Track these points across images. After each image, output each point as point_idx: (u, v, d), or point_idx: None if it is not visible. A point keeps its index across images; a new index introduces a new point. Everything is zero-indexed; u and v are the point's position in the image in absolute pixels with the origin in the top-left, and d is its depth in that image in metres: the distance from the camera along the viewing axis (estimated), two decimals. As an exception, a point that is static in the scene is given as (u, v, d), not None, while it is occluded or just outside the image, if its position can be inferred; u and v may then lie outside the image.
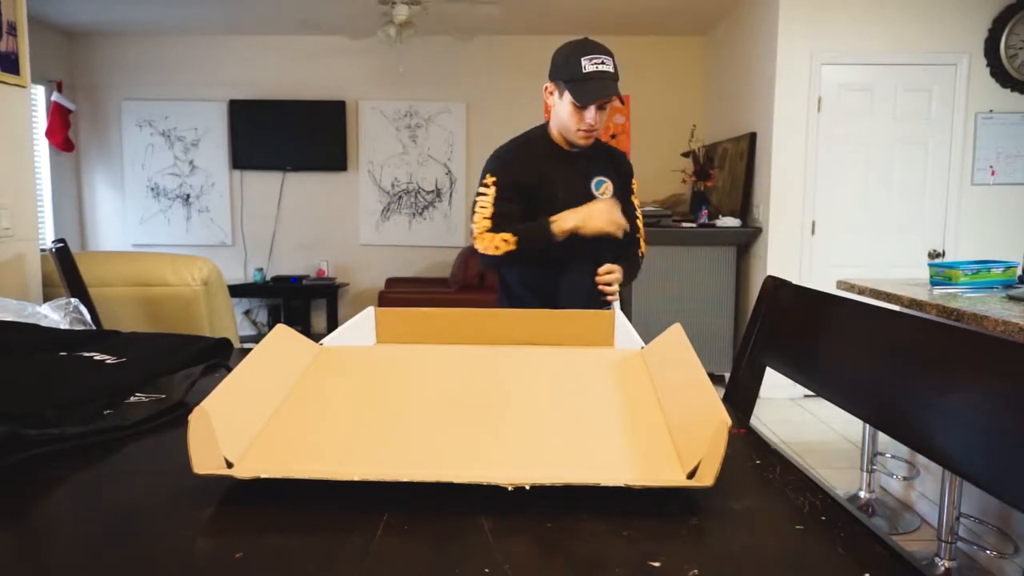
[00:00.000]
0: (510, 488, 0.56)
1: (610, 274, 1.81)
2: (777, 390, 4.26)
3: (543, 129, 1.91)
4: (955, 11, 4.15)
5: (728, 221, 4.47)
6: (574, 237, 1.78)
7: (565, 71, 1.75)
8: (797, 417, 3.99)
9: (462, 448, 0.68)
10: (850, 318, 0.86)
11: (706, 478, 0.57)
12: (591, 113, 1.75)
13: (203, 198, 5.83)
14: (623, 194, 1.95)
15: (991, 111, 4.20)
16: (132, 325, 2.51)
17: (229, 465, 0.63)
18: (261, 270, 5.71)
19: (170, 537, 0.54)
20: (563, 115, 1.79)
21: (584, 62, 1.72)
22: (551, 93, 1.81)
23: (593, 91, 1.72)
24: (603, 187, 1.90)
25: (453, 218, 5.83)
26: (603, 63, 1.73)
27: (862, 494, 2.83)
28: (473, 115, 5.69)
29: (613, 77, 1.73)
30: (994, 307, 2.06)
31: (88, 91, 5.77)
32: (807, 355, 0.93)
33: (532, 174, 1.85)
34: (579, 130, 1.78)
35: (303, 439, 0.70)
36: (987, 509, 2.23)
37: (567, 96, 1.75)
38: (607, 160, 1.95)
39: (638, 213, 2.02)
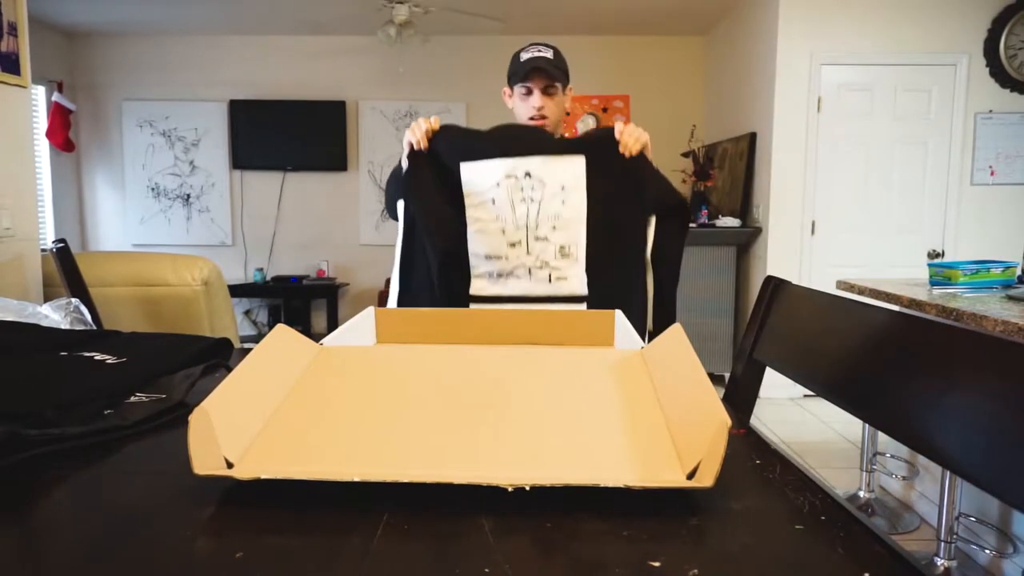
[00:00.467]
0: (510, 488, 0.56)
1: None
2: (777, 390, 4.26)
3: None
4: (955, 11, 4.15)
5: (728, 221, 4.47)
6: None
7: (510, 69, 1.77)
8: (797, 417, 3.99)
9: (462, 448, 0.68)
10: (850, 318, 0.86)
11: (706, 479, 0.57)
12: (535, 98, 1.74)
13: (203, 198, 5.84)
14: None
15: (991, 111, 4.20)
16: (132, 325, 2.51)
17: (229, 465, 0.63)
18: (261, 270, 5.71)
19: (170, 537, 0.54)
20: (516, 111, 1.80)
21: (522, 54, 1.75)
22: (509, 97, 1.82)
23: (526, 67, 1.72)
24: None
25: (453, 218, 5.83)
26: (539, 51, 1.74)
27: (862, 494, 2.83)
28: (473, 115, 5.69)
29: (551, 62, 1.73)
30: (993, 307, 2.06)
31: (88, 91, 5.77)
32: (807, 355, 0.93)
33: None
34: (529, 117, 1.77)
35: (303, 439, 0.70)
36: (986, 509, 2.23)
37: (515, 89, 1.76)
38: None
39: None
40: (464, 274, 1.60)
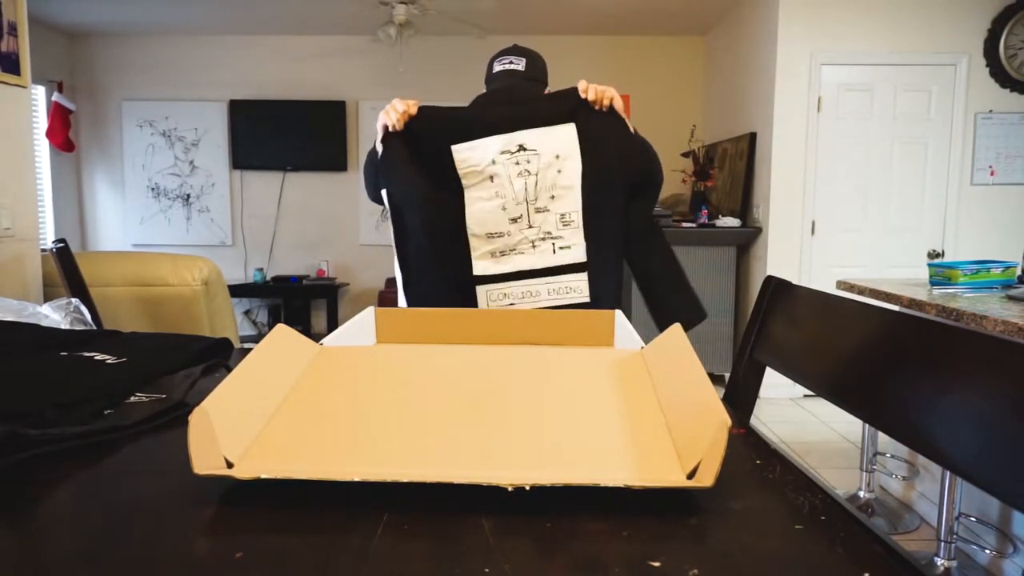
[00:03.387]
0: (510, 488, 0.56)
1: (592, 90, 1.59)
2: (777, 390, 4.26)
3: None
4: (955, 11, 4.15)
5: (728, 221, 4.47)
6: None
7: (486, 77, 1.76)
8: (797, 417, 3.99)
9: (462, 448, 0.68)
10: (850, 318, 0.86)
11: (706, 478, 0.57)
12: None
13: (203, 198, 5.83)
14: None
15: (990, 111, 4.20)
16: (132, 325, 2.51)
17: (229, 465, 0.63)
18: (261, 270, 5.71)
19: (170, 537, 0.54)
20: None
21: (495, 64, 1.72)
22: None
23: (496, 84, 1.70)
24: None
25: (453, 218, 5.83)
26: (511, 63, 1.70)
27: (862, 494, 2.83)
28: (473, 115, 5.69)
29: (522, 75, 1.69)
30: (993, 307, 2.06)
31: (88, 91, 5.77)
32: (807, 355, 0.93)
33: None
34: None
35: (303, 439, 0.70)
36: (986, 509, 2.23)
37: None
38: None
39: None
40: (464, 256, 1.58)
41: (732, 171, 4.78)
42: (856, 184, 4.25)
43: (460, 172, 1.56)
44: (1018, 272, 2.52)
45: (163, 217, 5.85)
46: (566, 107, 1.58)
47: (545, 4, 4.82)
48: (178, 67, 5.74)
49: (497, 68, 1.71)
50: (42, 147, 5.39)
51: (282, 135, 5.71)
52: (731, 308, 4.49)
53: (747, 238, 4.49)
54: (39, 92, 5.35)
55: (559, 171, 1.56)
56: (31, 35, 2.36)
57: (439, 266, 1.59)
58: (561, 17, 5.12)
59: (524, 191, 1.56)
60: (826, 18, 4.16)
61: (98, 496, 0.64)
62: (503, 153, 1.55)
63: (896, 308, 2.23)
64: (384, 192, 1.61)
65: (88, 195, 5.91)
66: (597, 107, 1.57)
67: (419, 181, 1.57)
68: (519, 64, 1.69)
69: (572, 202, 1.57)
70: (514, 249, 1.57)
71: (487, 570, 0.48)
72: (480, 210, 1.57)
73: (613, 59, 5.63)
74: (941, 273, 2.52)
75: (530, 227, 1.57)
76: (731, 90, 5.04)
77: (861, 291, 2.58)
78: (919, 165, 4.24)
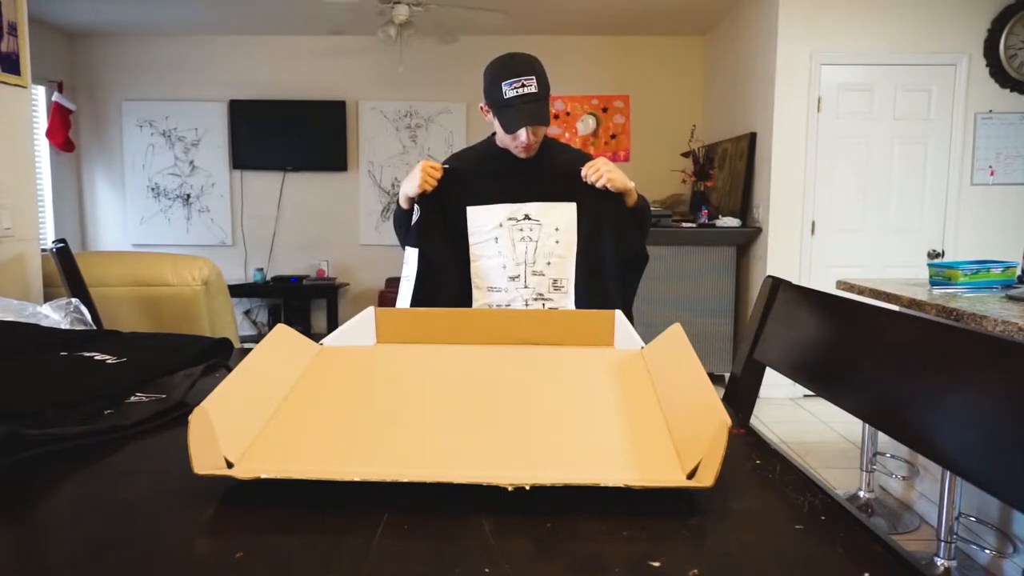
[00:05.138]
0: (510, 488, 0.56)
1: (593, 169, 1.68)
2: (777, 390, 4.26)
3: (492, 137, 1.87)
4: (955, 11, 4.15)
5: (728, 221, 4.47)
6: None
7: (491, 94, 1.68)
8: (797, 417, 3.99)
9: (462, 448, 0.68)
10: (850, 318, 0.86)
11: (706, 478, 0.57)
12: (522, 134, 1.69)
13: (203, 198, 5.83)
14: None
15: (991, 111, 4.20)
16: (132, 325, 2.51)
17: (229, 465, 0.63)
18: (261, 270, 5.71)
19: (170, 537, 0.54)
20: (500, 134, 1.75)
21: (505, 88, 1.64)
22: (487, 112, 1.74)
23: (515, 119, 1.65)
24: None
25: (453, 218, 5.82)
26: (523, 86, 1.64)
27: (862, 494, 2.83)
28: (473, 115, 5.70)
29: (536, 98, 1.64)
30: (993, 307, 2.06)
31: (88, 91, 5.77)
32: (807, 355, 0.93)
33: None
34: (516, 146, 1.74)
35: (303, 439, 0.70)
36: (987, 509, 2.23)
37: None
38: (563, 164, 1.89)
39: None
40: (467, 298, 1.75)
41: (732, 171, 4.78)
42: (856, 184, 4.25)
43: (469, 230, 1.73)
44: (1018, 272, 2.52)
45: (163, 217, 5.85)
46: (571, 186, 1.72)
47: (545, 4, 4.82)
48: (178, 67, 5.74)
49: (510, 93, 1.64)
50: (42, 147, 5.39)
51: (282, 135, 5.71)
52: (731, 308, 4.49)
53: (747, 238, 4.50)
54: (39, 92, 5.35)
55: (557, 242, 1.73)
56: (31, 35, 2.36)
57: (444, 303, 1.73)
58: (561, 17, 5.12)
59: (524, 254, 1.73)
60: (826, 18, 4.16)
61: (98, 496, 0.64)
62: (510, 219, 1.72)
63: (896, 308, 2.23)
64: (413, 250, 1.75)
65: (88, 195, 5.91)
66: (587, 180, 1.69)
67: (444, 240, 1.75)
68: (531, 85, 1.64)
69: (565, 270, 1.73)
70: (509, 304, 1.73)
71: (487, 570, 0.48)
72: (483, 266, 1.74)
73: (613, 59, 5.63)
74: (941, 273, 2.52)
75: (526, 287, 1.73)
76: (731, 90, 5.04)
77: (861, 291, 2.58)
78: (919, 165, 4.24)
